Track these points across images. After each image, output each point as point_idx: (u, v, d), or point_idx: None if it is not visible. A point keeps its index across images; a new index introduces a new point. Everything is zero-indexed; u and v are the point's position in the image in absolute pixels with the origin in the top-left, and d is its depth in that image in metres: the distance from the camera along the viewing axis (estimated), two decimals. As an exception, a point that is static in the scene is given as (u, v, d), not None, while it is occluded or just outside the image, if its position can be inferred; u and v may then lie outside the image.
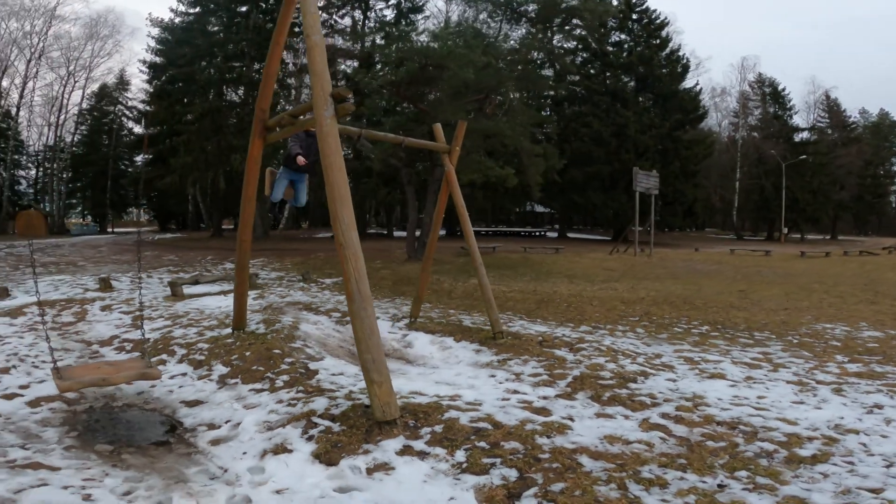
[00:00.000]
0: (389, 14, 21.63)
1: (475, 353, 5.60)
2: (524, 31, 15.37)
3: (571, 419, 3.47)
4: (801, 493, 2.43)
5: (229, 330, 6.33)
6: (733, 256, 22.83)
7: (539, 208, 52.25)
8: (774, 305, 9.17)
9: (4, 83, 32.61)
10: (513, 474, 2.70)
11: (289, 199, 6.10)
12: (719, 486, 2.51)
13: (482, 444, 3.09)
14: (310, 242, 25.45)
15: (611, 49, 29.97)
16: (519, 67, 14.29)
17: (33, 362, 5.52)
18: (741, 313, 8.25)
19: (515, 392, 4.15)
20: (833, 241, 41.70)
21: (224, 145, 19.92)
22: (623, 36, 31.25)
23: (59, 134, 37.96)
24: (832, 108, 44.57)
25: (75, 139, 40.88)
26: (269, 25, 21.12)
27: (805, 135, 41.71)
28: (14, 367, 5.30)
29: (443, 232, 37.34)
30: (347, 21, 23.08)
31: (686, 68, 31.51)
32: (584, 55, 30.57)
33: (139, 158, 39.43)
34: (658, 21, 30.99)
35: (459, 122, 6.12)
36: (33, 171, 42.81)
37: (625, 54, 30.55)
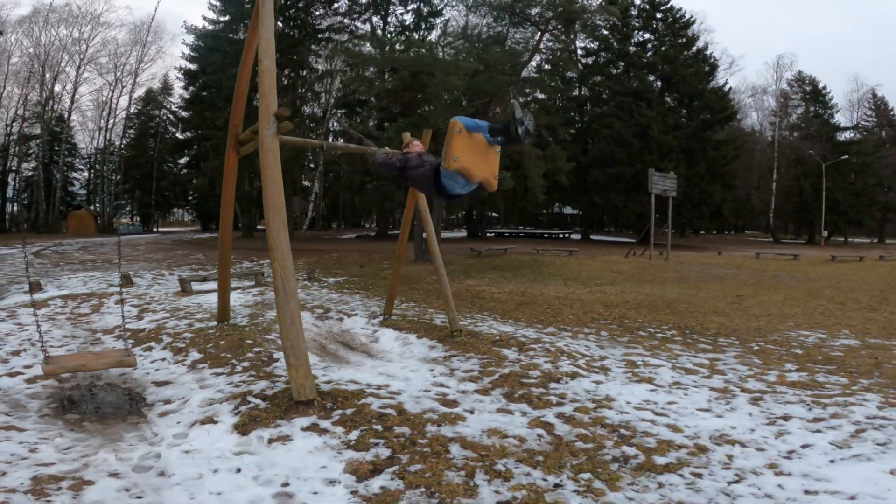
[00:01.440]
0: (409, 19, 22.16)
1: (429, 349, 5.97)
2: (528, 34, 15.53)
3: (471, 412, 3.80)
4: (621, 501, 2.60)
5: (215, 322, 6.93)
6: (757, 260, 22.19)
7: (567, 210, 51.84)
8: (761, 311, 9.09)
9: (57, 88, 35.10)
10: (385, 453, 3.07)
11: None
12: (555, 485, 2.72)
13: (378, 427, 3.48)
14: (331, 243, 26.34)
15: (633, 49, 29.53)
16: (535, 72, 14.48)
17: (42, 347, 6.28)
18: (720, 318, 8.25)
19: (440, 385, 4.51)
20: (880, 244, 39.58)
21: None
22: (647, 35, 30.72)
23: (108, 137, 40.63)
24: (878, 106, 42.30)
25: (123, 142, 43.58)
26: (289, 32, 22.07)
27: (848, 134, 39.77)
28: (25, 350, 6.03)
29: (464, 233, 37.85)
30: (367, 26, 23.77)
31: (714, 67, 30.72)
32: (606, 55, 30.25)
33: (181, 161, 41.58)
34: (683, 20, 30.32)
35: (424, 131, 6.47)
36: (86, 173, 45.96)
37: (649, 54, 30.05)
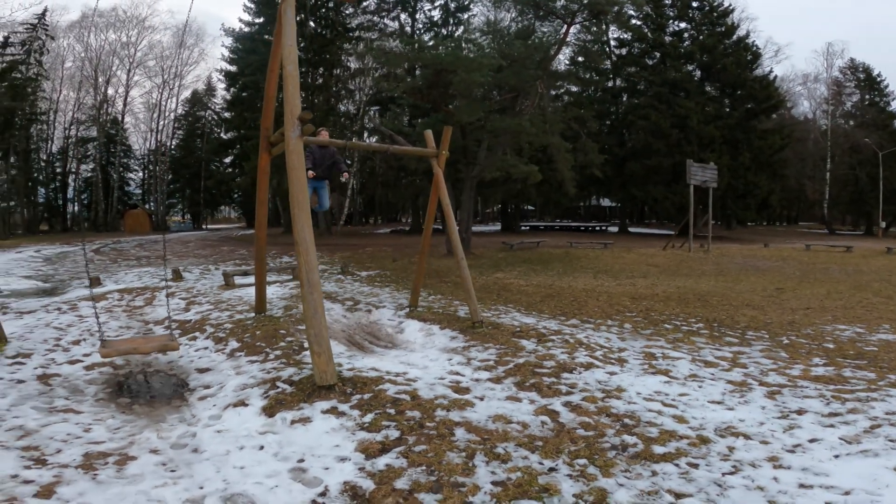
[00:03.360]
0: (437, 14, 22.26)
1: (450, 339, 6.17)
2: (555, 27, 15.31)
3: (481, 399, 3.97)
4: (611, 487, 2.68)
5: (253, 314, 7.37)
6: (806, 252, 21.22)
7: (605, 203, 50.83)
8: (799, 305, 8.81)
9: (110, 91, 37.22)
10: (395, 435, 3.30)
11: (314, 206, 6.98)
12: (550, 469, 2.84)
13: (391, 410, 3.71)
14: (367, 238, 26.94)
15: (669, 39, 28.60)
16: (569, 64, 14.29)
17: (100, 337, 6.88)
18: (752, 312, 8.07)
19: (455, 374, 4.71)
20: (945, 236, 36.87)
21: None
22: (683, 24, 29.67)
23: (159, 138, 42.83)
24: (937, 93, 39.29)
25: (173, 143, 45.83)
26: (322, 32, 22.59)
27: (906, 122, 37.21)
28: (84, 339, 6.61)
29: (498, 227, 37.77)
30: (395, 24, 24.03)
31: (756, 56, 29.34)
32: (640, 46, 29.43)
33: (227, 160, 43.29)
34: (721, 8, 29.11)
35: (445, 129, 6.65)
36: (140, 173, 48.58)
37: (686, 43, 29.04)
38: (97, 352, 5.03)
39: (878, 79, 36.84)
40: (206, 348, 6.19)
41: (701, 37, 28.55)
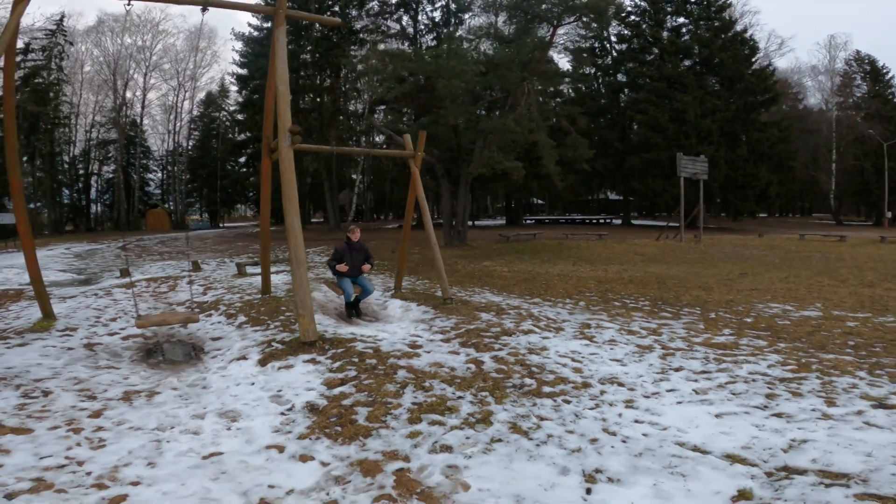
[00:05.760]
0: (438, 15, 23.18)
1: (423, 313, 7.26)
2: (539, 30, 16.15)
3: (428, 352, 5.05)
4: (497, 410, 3.53)
5: (260, 295, 8.56)
6: (797, 242, 21.84)
7: (614, 196, 51.32)
8: (749, 287, 9.69)
9: (128, 94, 38.96)
10: (353, 374, 4.41)
11: (360, 293, 7.62)
12: (458, 397, 3.83)
13: (355, 359, 4.82)
14: (374, 232, 28.16)
15: (667, 34, 29.16)
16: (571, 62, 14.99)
17: (133, 315, 8.13)
18: (700, 292, 8.98)
19: (416, 336, 5.80)
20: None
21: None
22: (681, 19, 30.19)
23: (176, 140, 44.65)
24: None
25: (190, 144, 47.61)
26: (329, 34, 23.65)
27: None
28: (119, 317, 7.85)
29: (502, 221, 38.75)
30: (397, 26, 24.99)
31: (754, 50, 29.74)
32: (639, 41, 30.03)
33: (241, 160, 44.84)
34: (719, 3, 29.55)
35: (420, 132, 7.72)
36: (159, 174, 50.56)
37: (684, 38, 29.59)
38: (133, 325, 6.22)
39: (884, 70, 36.90)
40: (219, 322, 7.37)
41: (699, 31, 29.07)
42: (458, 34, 17.81)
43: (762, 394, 3.93)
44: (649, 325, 6.59)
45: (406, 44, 23.06)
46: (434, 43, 17.18)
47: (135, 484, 2.65)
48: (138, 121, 42.31)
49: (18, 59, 31.86)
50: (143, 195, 44.88)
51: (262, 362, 4.97)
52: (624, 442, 3.09)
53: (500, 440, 3.11)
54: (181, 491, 2.59)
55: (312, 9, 23.40)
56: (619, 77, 31.91)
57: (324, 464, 2.88)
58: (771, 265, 13.89)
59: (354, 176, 36.27)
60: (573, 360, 4.94)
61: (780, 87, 31.96)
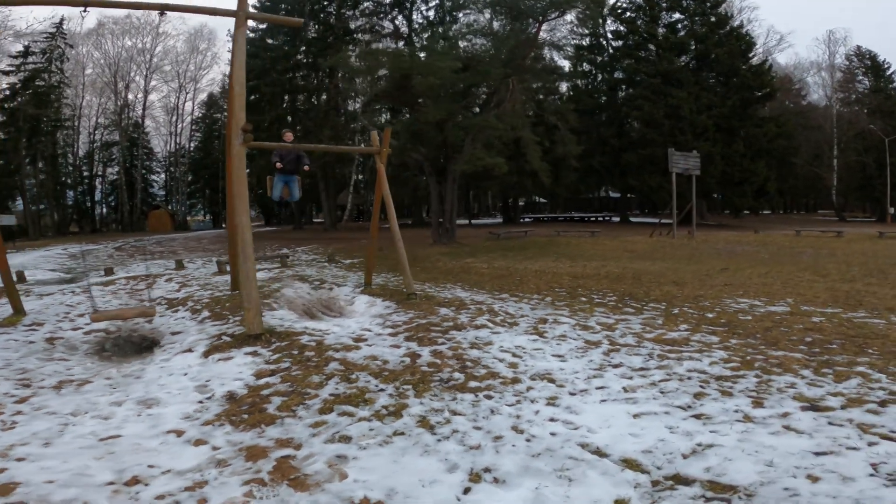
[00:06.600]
0: (433, 15, 23.19)
1: (384, 308, 7.28)
2: (523, 27, 16.11)
3: (369, 346, 5.07)
4: (413, 403, 3.52)
5: (230, 292, 8.62)
6: (791, 238, 21.59)
7: (614, 194, 51.09)
8: (723, 282, 9.60)
9: (130, 96, 39.34)
10: (285, 365, 4.43)
11: (286, 196, 8.18)
12: (379, 389, 3.81)
13: (294, 352, 4.84)
14: (366, 232, 28.27)
15: (662, 30, 29.01)
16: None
17: (93, 307, 8.21)
18: (671, 287, 8.91)
19: (366, 330, 5.81)
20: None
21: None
22: (677, 15, 30.03)
23: (178, 141, 45.05)
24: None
25: (191, 145, 47.98)
26: (325, 33, 23.78)
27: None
28: (88, 313, 7.95)
29: (500, 219, 38.68)
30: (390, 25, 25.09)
31: (750, 45, 29.49)
32: (634, 38, 29.90)
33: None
34: (713, -1, 29.43)
35: (385, 129, 7.73)
36: (162, 175, 50.98)
37: (680, 34, 29.43)
38: (90, 317, 6.29)
39: (885, 66, 36.51)
40: (183, 317, 7.42)
41: (694, 27, 28.90)
42: (439, 31, 17.84)
43: (691, 393, 3.78)
44: (607, 320, 6.53)
45: (402, 43, 23.12)
46: (439, 44, 17.19)
47: (20, 460, 2.71)
48: (140, 122, 42.70)
49: (18, 62, 32.49)
50: (146, 196, 45.27)
51: (206, 354, 5.01)
52: (528, 441, 3.01)
53: (402, 433, 3.10)
54: (60, 467, 2.64)
55: (306, 11, 23.54)
56: (617, 74, 31.79)
57: (215, 448, 2.90)
58: (757, 261, 13.76)
59: (355, 176, 36.38)
60: (514, 355, 4.86)
61: (779, 82, 31.71)
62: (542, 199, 53.14)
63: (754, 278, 10.21)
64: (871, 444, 2.78)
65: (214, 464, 2.70)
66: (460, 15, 22.09)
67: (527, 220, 35.94)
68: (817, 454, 2.66)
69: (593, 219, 36.77)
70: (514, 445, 2.94)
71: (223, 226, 50.97)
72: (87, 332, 6.78)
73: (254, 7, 27.14)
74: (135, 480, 2.55)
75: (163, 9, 6.02)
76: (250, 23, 27.06)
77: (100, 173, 43.62)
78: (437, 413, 3.43)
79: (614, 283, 9.49)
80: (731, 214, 39.32)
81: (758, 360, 4.59)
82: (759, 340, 5.34)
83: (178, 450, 2.89)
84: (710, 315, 6.80)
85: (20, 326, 6.80)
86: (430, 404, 3.59)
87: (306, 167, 8.38)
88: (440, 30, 17.06)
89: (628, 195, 39.39)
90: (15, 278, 11.99)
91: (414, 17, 22.93)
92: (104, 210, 46.71)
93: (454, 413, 3.44)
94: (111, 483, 2.53)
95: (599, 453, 2.84)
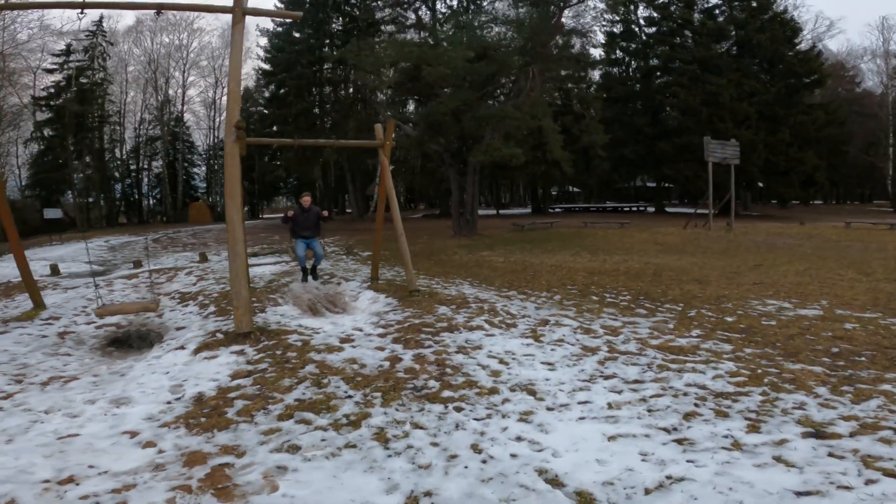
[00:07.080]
0: (455, 3, 22.78)
1: (385, 305, 7.17)
2: (547, 13, 15.48)
3: (354, 347, 4.95)
4: (377, 413, 3.39)
5: (240, 287, 8.72)
6: (839, 231, 20.23)
7: (650, 184, 49.36)
8: (753, 280, 9.00)
9: (170, 92, 40.67)
10: (263, 366, 4.37)
11: (311, 258, 8.41)
12: (347, 396, 3.68)
13: (278, 352, 4.78)
14: (392, 223, 28.28)
15: (698, 16, 27.56)
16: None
17: (99, 302, 8.45)
18: (693, 287, 8.40)
19: (357, 329, 5.71)
20: None
21: (317, 141, 23.50)
22: (714, 0, 28.48)
23: (217, 135, 46.27)
24: None
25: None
26: (350, 25, 23.78)
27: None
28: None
29: (528, 210, 37.97)
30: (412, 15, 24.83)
31: (795, 31, 27.66)
32: (668, 24, 28.52)
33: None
34: (755, -18, 27.65)
35: (389, 121, 7.57)
36: (203, 168, 52.67)
37: (719, 19, 27.92)
38: (94, 312, 6.46)
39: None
40: (191, 312, 7.54)
41: (733, 13, 27.36)
42: (461, 20, 17.43)
43: (682, 412, 3.41)
44: (614, 323, 6.17)
45: (426, 34, 22.86)
46: (452, 32, 16.90)
47: (-25, 455, 2.73)
48: (181, 117, 44.18)
49: (61, 60, 34.06)
50: (188, 189, 46.92)
51: (196, 352, 5.02)
52: (483, 463, 2.78)
53: (353, 446, 2.96)
54: (9, 464, 2.70)
55: (329, 3, 23.60)
56: (651, 61, 30.51)
57: (161, 451, 2.87)
58: (797, 256, 12.89)
59: (325, 218, 36.42)
60: (500, 361, 4.58)
61: (830, 69, 29.69)
62: (575, 189, 51.90)
63: (789, 276, 9.54)
64: (868, 481, 2.43)
65: (152, 467, 2.65)
66: (484, 2, 21.63)
67: (557, 210, 35.17)
68: (798, 494, 2.34)
69: (627, 209, 35.61)
70: (466, 467, 2.73)
71: (261, 217, 52.37)
72: (99, 326, 6.96)
73: (275, 7, 27.52)
74: (69, 480, 2.56)
75: (159, 7, 6.02)
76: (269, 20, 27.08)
77: (146, 167, 45.47)
78: (397, 425, 3.26)
79: (632, 280, 9.05)
80: (777, 205, 37.26)
81: (769, 375, 4.15)
82: (777, 350, 4.85)
83: (124, 451, 2.87)
84: (729, 319, 6.27)
85: (37, 321, 7.05)
86: (394, 415, 3.42)
87: (324, 214, 8.63)
88: (461, 19, 16.66)
89: (665, 185, 37.91)
90: (49, 272, 12.62)
91: (437, 6, 22.61)
92: (150, 202, 48.75)
93: (416, 426, 3.26)
94: (46, 481, 2.55)
95: (555, 482, 2.59)
